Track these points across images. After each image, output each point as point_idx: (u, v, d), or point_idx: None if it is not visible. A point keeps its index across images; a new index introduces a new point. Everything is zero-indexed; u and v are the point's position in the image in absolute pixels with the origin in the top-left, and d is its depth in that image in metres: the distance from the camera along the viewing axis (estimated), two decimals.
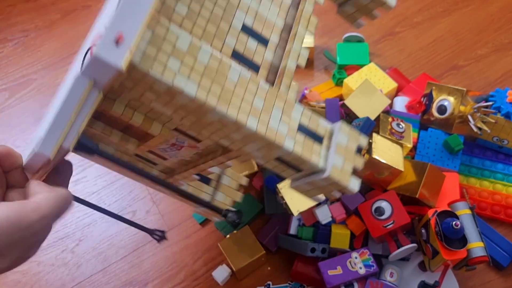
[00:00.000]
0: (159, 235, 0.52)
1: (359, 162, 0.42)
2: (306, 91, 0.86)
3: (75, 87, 0.32)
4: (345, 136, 0.41)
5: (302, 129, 0.40)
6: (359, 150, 0.42)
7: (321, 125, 0.42)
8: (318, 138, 0.41)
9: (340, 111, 0.77)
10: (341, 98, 0.88)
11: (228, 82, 0.37)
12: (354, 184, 0.41)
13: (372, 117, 0.71)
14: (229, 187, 0.64)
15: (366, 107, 0.73)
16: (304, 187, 0.43)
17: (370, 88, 0.74)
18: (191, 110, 0.36)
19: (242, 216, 0.55)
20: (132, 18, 0.31)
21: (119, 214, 0.83)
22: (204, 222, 0.80)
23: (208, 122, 0.38)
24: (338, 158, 0.40)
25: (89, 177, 0.87)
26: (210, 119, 0.37)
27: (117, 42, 0.30)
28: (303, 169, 0.42)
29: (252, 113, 0.37)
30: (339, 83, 0.88)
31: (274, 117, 0.39)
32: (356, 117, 0.74)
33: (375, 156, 0.64)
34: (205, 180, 0.60)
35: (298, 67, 0.45)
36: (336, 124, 0.42)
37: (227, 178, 0.64)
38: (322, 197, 0.44)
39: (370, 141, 0.67)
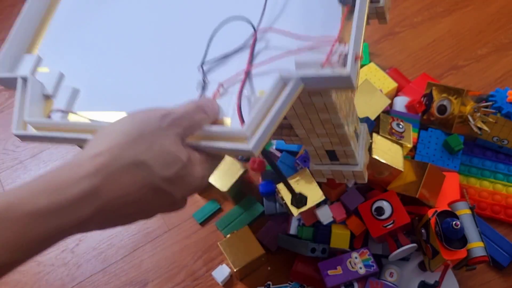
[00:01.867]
0: None
1: (367, 159, 0.53)
2: None
3: (293, 88, 0.36)
4: (366, 137, 0.52)
5: (355, 131, 0.50)
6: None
7: (359, 124, 0.51)
8: (358, 136, 0.51)
9: None
10: None
11: None
12: (366, 177, 0.53)
13: (372, 117, 0.71)
14: None
15: (366, 107, 0.73)
16: (325, 172, 0.54)
17: (370, 88, 0.74)
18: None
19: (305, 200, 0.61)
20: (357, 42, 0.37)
21: None
22: (204, 222, 0.81)
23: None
24: (364, 156, 0.51)
25: None
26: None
27: (356, 60, 0.36)
28: (343, 161, 0.51)
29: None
30: None
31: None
32: None
33: (375, 156, 0.64)
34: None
35: None
36: (362, 125, 0.53)
37: None
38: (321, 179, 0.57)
39: (370, 141, 0.67)
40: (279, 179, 0.55)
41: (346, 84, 0.35)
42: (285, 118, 0.46)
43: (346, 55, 0.35)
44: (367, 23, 0.56)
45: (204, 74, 0.42)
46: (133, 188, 0.32)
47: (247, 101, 0.38)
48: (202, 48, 0.43)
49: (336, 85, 0.36)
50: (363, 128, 0.55)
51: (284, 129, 0.52)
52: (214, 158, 0.38)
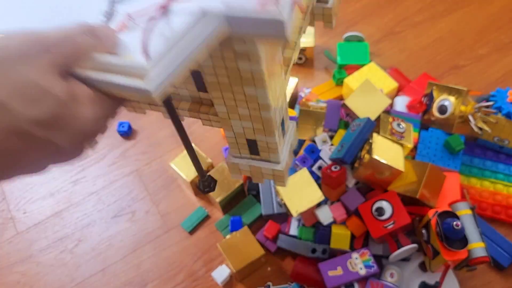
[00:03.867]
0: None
1: (291, 161, 0.48)
2: (306, 91, 0.86)
3: (208, 25, 0.30)
4: (293, 137, 0.47)
5: (282, 123, 0.45)
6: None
7: (288, 120, 0.46)
8: (284, 133, 0.46)
9: (340, 112, 0.77)
10: (341, 98, 0.87)
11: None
12: (287, 181, 0.48)
13: (373, 117, 0.71)
14: None
15: (367, 107, 0.72)
16: (242, 166, 0.48)
17: (371, 88, 0.74)
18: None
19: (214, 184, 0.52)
20: None
21: (118, 215, 0.84)
22: (202, 223, 0.80)
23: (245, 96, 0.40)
24: (288, 156, 0.46)
25: (88, 177, 0.87)
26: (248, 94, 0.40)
27: (293, 6, 0.31)
28: (264, 157, 0.46)
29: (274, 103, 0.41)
30: (339, 83, 0.88)
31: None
32: (356, 117, 0.73)
33: (375, 156, 0.63)
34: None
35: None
36: (291, 122, 0.47)
37: None
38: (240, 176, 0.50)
39: (370, 141, 0.67)
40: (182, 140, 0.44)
41: (277, 31, 0.30)
42: (204, 90, 0.42)
43: None
44: (312, 24, 0.54)
45: (112, 1, 0.34)
46: None
47: (162, 40, 0.31)
48: None
49: (265, 31, 0.30)
50: (292, 126, 0.50)
51: (203, 105, 0.46)
52: (109, 98, 0.31)
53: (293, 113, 0.83)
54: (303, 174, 0.67)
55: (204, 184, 0.49)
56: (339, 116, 0.77)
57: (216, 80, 0.39)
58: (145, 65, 0.28)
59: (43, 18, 0.35)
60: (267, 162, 0.47)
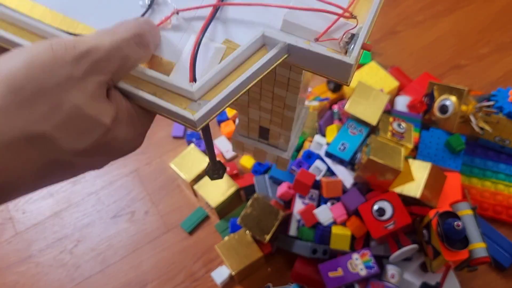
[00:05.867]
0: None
1: (297, 142, 0.48)
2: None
3: (274, 56, 0.27)
4: (304, 121, 0.48)
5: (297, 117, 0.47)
6: None
7: (300, 106, 0.45)
8: (297, 119, 0.46)
9: (344, 115, 0.77)
10: (341, 97, 0.87)
11: None
12: (288, 165, 0.48)
13: (376, 116, 0.70)
14: None
15: (367, 108, 0.72)
16: (247, 146, 0.48)
17: (366, 89, 0.74)
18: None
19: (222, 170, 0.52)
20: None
21: (117, 215, 0.83)
22: (202, 224, 0.80)
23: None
24: (295, 141, 0.46)
25: (87, 177, 0.87)
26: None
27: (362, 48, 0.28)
28: (273, 143, 0.46)
29: None
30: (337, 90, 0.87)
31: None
32: (356, 119, 0.73)
33: (372, 157, 0.63)
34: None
35: None
36: (305, 107, 0.47)
37: None
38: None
39: (368, 143, 0.66)
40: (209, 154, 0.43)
41: (341, 75, 0.27)
42: None
43: (353, 36, 0.27)
44: None
45: None
46: (24, 172, 0.23)
47: (204, 48, 0.28)
48: None
49: (329, 72, 0.28)
50: (304, 111, 0.48)
51: None
52: (147, 113, 0.28)
53: None
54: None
55: (213, 170, 0.46)
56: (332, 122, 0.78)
57: None
58: (193, 91, 0.26)
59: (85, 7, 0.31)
60: (274, 148, 0.46)
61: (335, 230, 0.67)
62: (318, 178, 0.71)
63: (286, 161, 0.46)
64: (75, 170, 0.25)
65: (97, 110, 0.23)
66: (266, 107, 0.40)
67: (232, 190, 0.77)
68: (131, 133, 0.26)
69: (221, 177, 0.46)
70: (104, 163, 0.27)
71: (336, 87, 0.86)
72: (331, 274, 0.66)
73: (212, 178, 0.46)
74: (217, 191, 0.77)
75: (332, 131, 0.75)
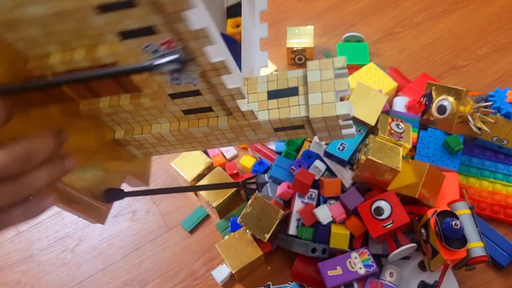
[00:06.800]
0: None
1: (342, 84, 0.41)
2: None
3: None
4: (315, 71, 0.42)
5: (272, 94, 0.42)
6: (339, 75, 0.42)
7: (291, 77, 0.42)
8: (292, 92, 0.42)
9: None
10: (341, 98, 0.88)
11: None
12: (342, 108, 0.40)
13: (375, 116, 0.71)
14: None
15: (366, 108, 0.72)
16: (320, 135, 0.44)
17: (364, 89, 0.74)
18: None
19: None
20: None
21: (119, 214, 0.84)
22: (203, 223, 0.81)
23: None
24: (315, 95, 0.41)
25: None
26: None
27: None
28: (301, 126, 0.43)
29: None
30: None
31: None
32: (355, 119, 0.73)
33: (370, 157, 0.64)
34: None
35: None
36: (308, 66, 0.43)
37: None
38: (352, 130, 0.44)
39: (366, 142, 0.67)
40: None
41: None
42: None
43: None
44: None
45: None
46: None
47: None
48: None
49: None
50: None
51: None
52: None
53: None
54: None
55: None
56: None
57: None
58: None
59: None
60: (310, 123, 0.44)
61: (334, 229, 0.68)
62: (317, 177, 0.71)
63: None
64: None
65: None
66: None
67: (232, 189, 0.78)
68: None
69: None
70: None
71: None
72: (330, 273, 0.66)
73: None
74: (217, 190, 0.77)
75: None
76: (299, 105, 0.41)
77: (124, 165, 0.50)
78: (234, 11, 0.52)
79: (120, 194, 0.47)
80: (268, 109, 0.42)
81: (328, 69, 0.41)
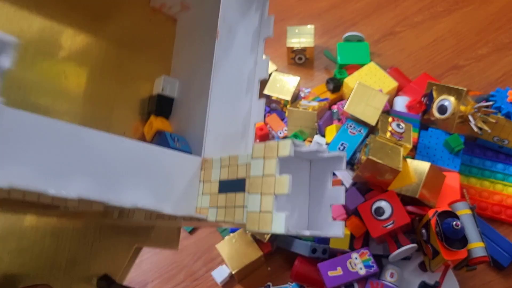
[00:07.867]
0: None
1: (283, 187, 0.34)
2: (306, 91, 0.86)
3: None
4: (259, 160, 0.36)
5: (223, 186, 0.39)
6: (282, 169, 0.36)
7: (241, 163, 0.38)
8: (239, 185, 0.37)
9: (344, 115, 0.77)
10: (341, 98, 0.88)
11: None
12: (278, 226, 0.33)
13: (376, 116, 0.71)
14: None
15: (367, 108, 0.72)
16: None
17: (365, 89, 0.74)
18: None
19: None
20: None
21: None
22: (193, 231, 0.80)
23: None
24: (255, 198, 0.35)
25: None
26: None
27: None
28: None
29: None
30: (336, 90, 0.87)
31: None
32: (355, 119, 0.73)
33: (371, 157, 0.63)
34: None
35: None
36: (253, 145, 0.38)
37: None
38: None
39: (367, 142, 0.67)
40: None
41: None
42: None
43: None
44: None
45: None
46: None
47: None
48: None
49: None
50: None
51: None
52: None
53: None
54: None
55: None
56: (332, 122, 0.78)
57: None
58: None
59: None
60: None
61: None
62: None
63: None
64: None
65: None
66: None
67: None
68: None
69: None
70: None
71: (336, 88, 0.86)
72: (331, 273, 0.66)
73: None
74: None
75: (331, 131, 0.75)
76: (243, 206, 0.37)
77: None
78: None
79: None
80: (217, 207, 0.39)
81: (272, 159, 0.35)
